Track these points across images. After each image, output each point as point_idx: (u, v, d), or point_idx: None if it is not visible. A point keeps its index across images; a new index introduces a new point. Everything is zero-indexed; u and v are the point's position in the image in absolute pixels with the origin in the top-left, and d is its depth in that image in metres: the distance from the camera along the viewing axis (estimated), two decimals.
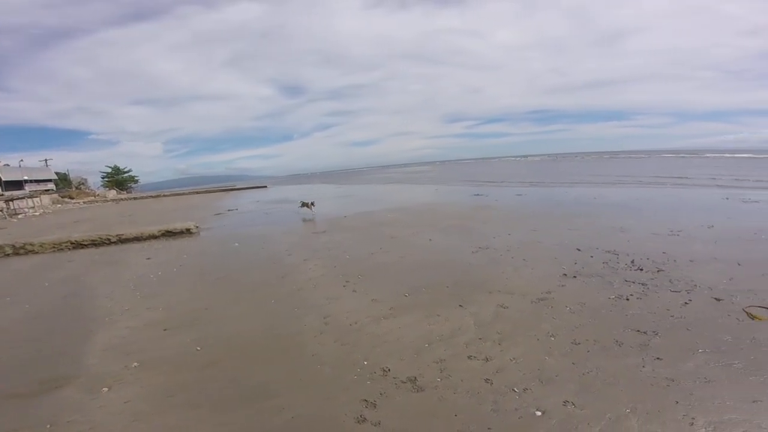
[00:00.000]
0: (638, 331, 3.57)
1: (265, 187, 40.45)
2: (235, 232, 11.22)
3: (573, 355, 3.26)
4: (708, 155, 72.41)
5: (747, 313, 3.79)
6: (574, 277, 5.13)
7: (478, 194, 17.11)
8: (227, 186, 46.77)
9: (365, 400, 2.88)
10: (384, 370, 3.23)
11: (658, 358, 3.10)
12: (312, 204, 13.27)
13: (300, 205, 13.69)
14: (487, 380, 2.98)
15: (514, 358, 3.28)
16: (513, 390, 2.84)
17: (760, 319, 3.67)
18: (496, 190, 19.21)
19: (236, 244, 9.18)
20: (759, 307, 3.90)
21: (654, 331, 3.54)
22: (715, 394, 2.64)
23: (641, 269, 5.20)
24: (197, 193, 37.83)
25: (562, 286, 4.84)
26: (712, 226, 7.60)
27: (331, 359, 3.52)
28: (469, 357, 3.35)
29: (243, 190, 37.30)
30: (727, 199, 11.89)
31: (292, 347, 3.81)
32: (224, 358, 3.70)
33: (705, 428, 2.36)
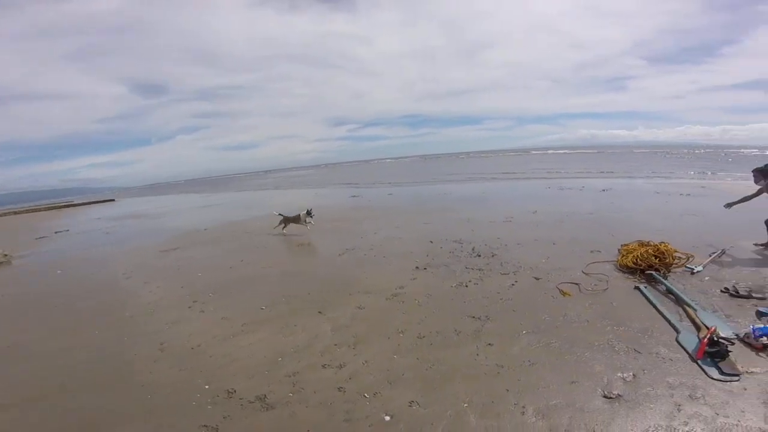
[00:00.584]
0: (474, 317, 3.84)
1: (113, 200, 34.89)
2: (62, 257, 9.21)
3: (418, 350, 3.37)
4: (535, 152, 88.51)
5: (559, 290, 4.30)
6: (425, 269, 5.49)
7: (354, 196, 17.47)
8: (61, 202, 38.22)
9: (205, 425, 2.60)
10: (229, 392, 2.96)
11: (489, 344, 3.30)
12: (308, 214, 8.72)
13: (281, 224, 8.91)
14: (340, 389, 2.91)
15: (366, 361, 3.27)
16: (364, 396, 2.81)
17: (569, 295, 4.14)
18: (371, 191, 19.93)
19: (59, 272, 7.53)
20: (568, 283, 4.49)
21: (486, 316, 3.83)
22: (540, 378, 2.79)
23: (479, 255, 5.87)
24: (15, 213, 29.96)
25: (414, 279, 5.13)
26: (536, 212, 9.13)
27: (166, 387, 3.13)
28: (324, 366, 3.25)
29: (82, 206, 30.96)
30: (549, 188, 14.57)
31: (119, 379, 3.32)
32: (38, 397, 3.11)
33: (535, 416, 2.44)
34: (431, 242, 6.91)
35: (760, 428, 2.16)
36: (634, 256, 4.67)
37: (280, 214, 9.03)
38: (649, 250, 4.61)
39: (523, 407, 2.52)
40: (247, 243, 8.56)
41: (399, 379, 2.98)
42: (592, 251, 5.58)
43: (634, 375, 2.72)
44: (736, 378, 2.59)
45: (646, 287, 4.14)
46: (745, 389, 2.49)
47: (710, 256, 4.89)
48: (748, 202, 5.35)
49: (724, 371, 2.65)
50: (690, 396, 2.47)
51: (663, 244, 4.78)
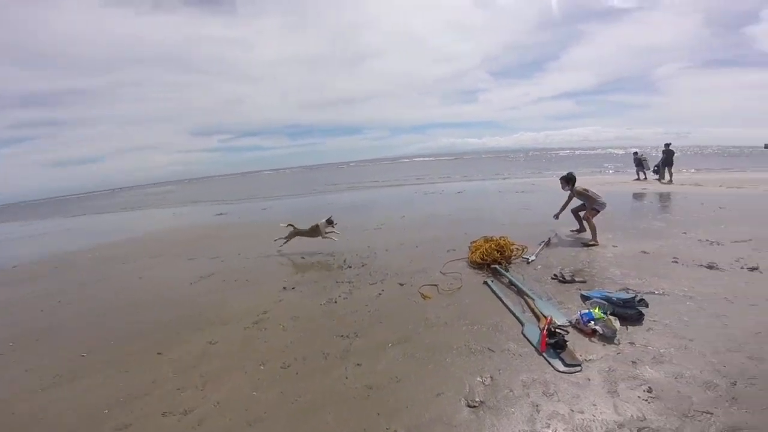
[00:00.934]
0: (342, 336, 3.62)
1: None
2: None
3: (282, 382, 3.00)
4: (406, 160, 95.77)
5: (420, 294, 4.36)
6: (293, 288, 5.12)
7: (221, 213, 15.85)
8: None
9: None
10: None
11: (358, 364, 3.11)
12: (330, 223, 7.08)
13: (286, 238, 7.30)
14: None
15: (218, 403, 2.78)
16: None
17: (429, 298, 4.22)
18: (242, 207, 18.41)
19: None
20: (428, 285, 4.60)
21: (355, 333, 3.64)
22: (408, 396, 2.68)
23: (350, 266, 5.76)
24: None
25: (280, 301, 4.71)
26: (404, 216, 9.59)
27: None
28: (164, 414, 2.70)
29: None
30: (416, 193, 15.65)
31: None
32: None
33: None
34: (303, 258, 6.57)
35: (615, 421, 2.23)
36: (480, 252, 5.12)
37: (289, 225, 7.30)
38: (492, 245, 5.11)
39: (395, 431, 2.37)
40: (73, 278, 6.85)
41: (260, 419, 2.60)
42: (448, 250, 6.00)
43: (491, 377, 2.75)
44: (579, 368, 2.70)
45: (493, 281, 4.50)
46: (589, 380, 2.61)
47: (539, 245, 5.72)
48: (567, 206, 6.28)
49: (567, 362, 2.76)
50: (544, 393, 2.52)
51: (502, 238, 5.37)
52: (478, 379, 2.75)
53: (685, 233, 6.10)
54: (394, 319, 3.89)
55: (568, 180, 6.06)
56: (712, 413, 2.21)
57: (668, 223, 7.02)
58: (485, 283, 4.51)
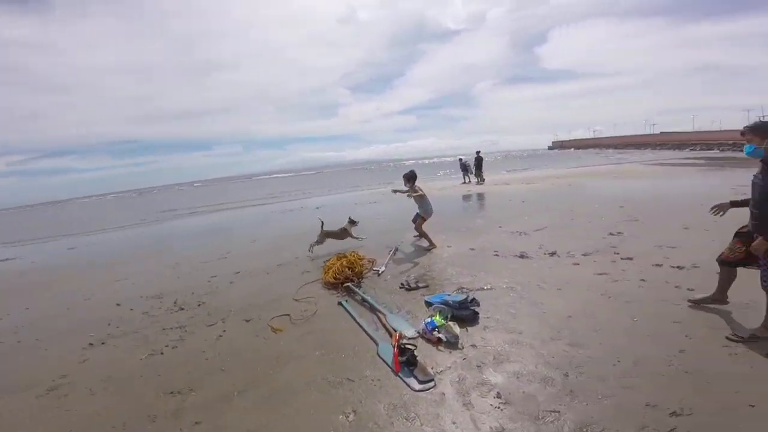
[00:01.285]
0: (172, 392, 2.94)
1: None
2: None
3: None
4: (264, 177, 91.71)
5: (271, 327, 3.90)
6: (103, 343, 4.02)
7: (6, 259, 11.85)
8: None
9: None
10: None
11: (197, 423, 2.54)
12: (352, 223, 6.85)
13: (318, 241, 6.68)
14: None
15: None
16: None
17: (281, 331, 3.81)
18: (40, 247, 14.20)
19: None
20: (279, 316, 4.15)
21: (189, 387, 2.99)
22: None
23: (182, 308, 4.84)
24: None
25: (85, 361, 3.65)
26: (255, 241, 8.78)
27: None
28: None
29: None
30: (272, 212, 14.79)
31: None
32: None
33: None
34: (118, 305, 5.25)
35: None
36: (333, 270, 4.93)
37: (323, 223, 6.83)
38: (344, 262, 4.99)
39: None
40: None
41: None
42: (303, 273, 5.66)
43: (354, 412, 2.50)
44: (432, 383, 2.64)
45: (347, 301, 4.34)
46: (444, 394, 2.55)
47: (388, 254, 5.88)
48: (403, 192, 6.42)
49: (421, 379, 2.68)
50: (406, 419, 2.39)
51: (352, 253, 5.32)
52: (341, 417, 2.47)
53: (500, 227, 7.19)
54: (239, 362, 3.35)
55: (410, 177, 6.33)
56: (558, 411, 2.28)
57: (487, 219, 8.20)
58: (340, 303, 4.32)
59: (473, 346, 3.09)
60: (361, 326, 3.70)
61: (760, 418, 2.06)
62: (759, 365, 2.50)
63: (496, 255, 5.46)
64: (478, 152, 17.92)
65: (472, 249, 5.87)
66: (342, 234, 6.80)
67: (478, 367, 2.80)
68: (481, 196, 12.64)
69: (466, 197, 12.84)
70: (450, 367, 2.84)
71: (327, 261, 5.48)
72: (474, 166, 17.66)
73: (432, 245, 6.14)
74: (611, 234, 6.01)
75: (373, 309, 4.04)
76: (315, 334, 3.71)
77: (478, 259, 5.36)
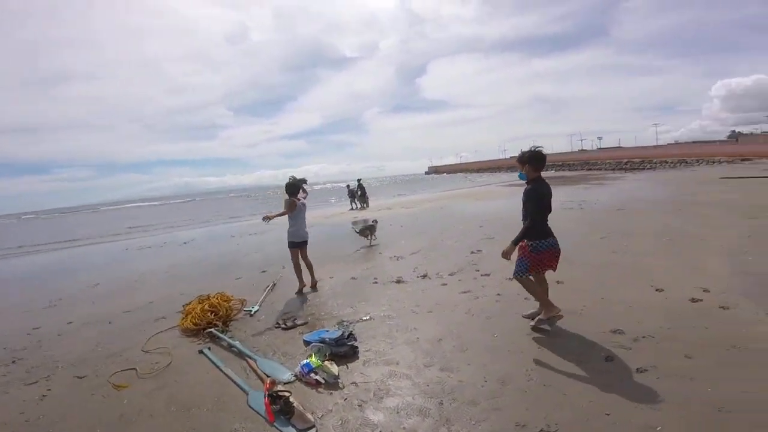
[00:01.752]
0: None
1: None
2: None
3: None
4: (129, 206, 79.31)
5: (112, 384, 3.30)
6: None
7: None
8: None
9: None
10: None
11: None
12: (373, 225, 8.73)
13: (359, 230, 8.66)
14: None
15: None
16: None
17: (125, 387, 3.23)
18: None
19: None
20: (122, 370, 3.52)
21: None
22: None
23: None
24: None
25: None
26: (98, 284, 7.30)
27: None
28: None
29: None
30: (127, 249, 12.59)
31: None
32: None
33: None
34: None
35: None
36: (193, 316, 4.35)
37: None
38: (206, 306, 4.44)
39: None
40: None
41: None
42: (156, 320, 4.86)
43: None
44: (313, 429, 2.50)
45: (210, 349, 3.83)
46: None
47: (264, 291, 5.45)
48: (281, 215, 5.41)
49: (300, 428, 2.51)
50: None
51: (218, 295, 4.78)
52: None
53: (381, 253, 7.40)
54: (71, 425, 2.76)
55: (291, 191, 5.35)
56: None
57: (369, 246, 8.36)
58: (201, 352, 3.78)
59: (354, 383, 2.98)
60: (227, 375, 3.28)
61: (617, 426, 2.25)
62: (601, 369, 2.83)
63: (375, 282, 5.53)
64: (359, 180, 18.85)
65: (354, 278, 5.86)
66: (372, 230, 8.48)
67: (359, 406, 2.69)
68: (366, 223, 12.97)
69: (350, 224, 13.02)
70: (331, 410, 2.68)
71: (186, 304, 4.78)
72: (359, 194, 18.40)
73: (300, 285, 5.36)
74: (472, 252, 6.69)
75: (241, 355, 3.64)
76: (169, 388, 3.19)
77: (359, 288, 5.34)
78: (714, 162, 35.85)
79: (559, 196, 15.21)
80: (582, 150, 78.78)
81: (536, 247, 3.46)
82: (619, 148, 70.51)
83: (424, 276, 5.57)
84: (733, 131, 75.13)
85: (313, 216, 13.73)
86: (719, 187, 14.96)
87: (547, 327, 3.49)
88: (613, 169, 42.47)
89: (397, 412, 2.59)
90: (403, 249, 7.50)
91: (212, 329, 4.17)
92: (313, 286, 5.44)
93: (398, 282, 5.42)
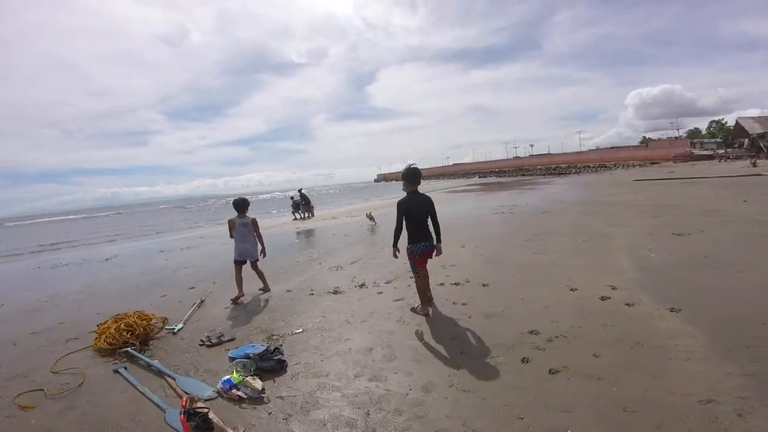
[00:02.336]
0: None
1: None
2: None
3: None
4: (42, 220, 70.83)
5: (17, 405, 3.08)
6: None
7: None
8: None
9: None
10: None
11: None
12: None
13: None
14: None
15: None
16: None
17: (32, 408, 3.04)
18: None
19: None
20: (29, 392, 3.29)
21: None
22: None
23: None
24: None
25: None
26: (2, 305, 6.47)
27: None
28: None
29: None
30: (39, 267, 11.24)
31: None
32: None
33: None
34: None
35: None
36: (107, 336, 4.04)
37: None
38: (122, 325, 4.13)
39: None
40: None
41: None
42: (68, 341, 4.45)
43: None
44: None
45: (126, 368, 3.59)
46: None
47: (191, 308, 5.12)
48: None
49: None
50: None
51: (137, 313, 4.45)
52: None
53: (320, 264, 7.29)
54: None
55: (238, 207, 5.57)
56: None
57: (309, 256, 8.23)
58: (117, 371, 3.55)
59: (280, 397, 2.90)
60: (144, 394, 3.11)
61: (530, 430, 2.32)
62: (517, 371, 2.95)
63: (312, 294, 5.43)
64: (300, 190, 18.94)
65: (289, 290, 5.70)
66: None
67: (284, 419, 2.63)
68: (308, 233, 12.73)
69: (292, 235, 12.73)
70: (254, 425, 2.60)
71: (101, 324, 4.41)
72: (302, 204, 18.25)
73: (238, 294, 5.39)
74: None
75: (161, 374, 3.45)
76: (81, 408, 3.01)
77: (293, 302, 5.20)
78: (629, 166, 39.92)
79: (496, 201, 16.27)
80: (516, 157, 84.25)
81: (412, 250, 4.17)
82: (548, 154, 76.34)
83: (362, 285, 5.57)
84: (644, 137, 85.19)
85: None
86: (631, 189, 16.82)
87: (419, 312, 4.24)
88: (544, 174, 45.83)
89: (324, 425, 2.56)
90: (343, 258, 7.46)
91: (128, 348, 3.88)
92: (263, 291, 5.70)
93: (335, 293, 5.36)
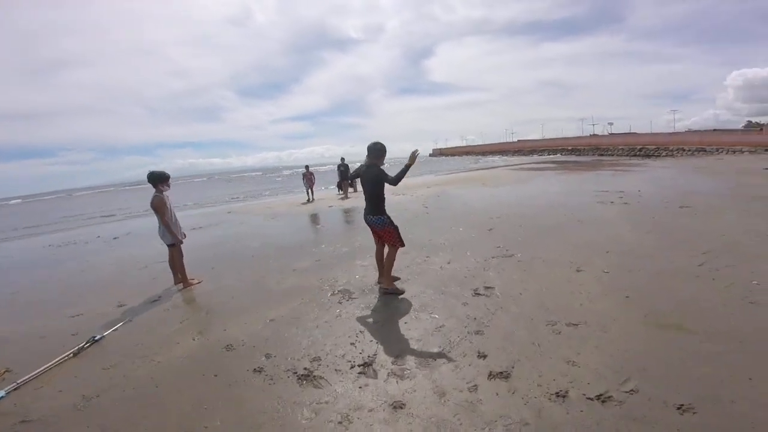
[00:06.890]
0: None
1: None
2: None
3: None
4: (127, 187, 76.95)
5: None
6: None
7: None
8: None
9: None
10: None
11: None
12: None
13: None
14: None
15: None
16: None
17: None
18: None
19: None
20: None
21: None
22: None
23: None
24: None
25: None
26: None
27: None
28: None
29: None
30: (49, 245, 10.14)
31: None
32: None
33: None
34: None
35: None
36: None
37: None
38: None
39: None
40: None
41: None
42: None
43: None
44: None
45: None
46: None
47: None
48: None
49: None
50: None
51: None
52: None
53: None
54: None
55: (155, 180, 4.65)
56: None
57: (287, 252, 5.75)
58: None
59: None
60: None
61: None
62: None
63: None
64: (342, 159, 15.32)
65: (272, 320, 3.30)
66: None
67: None
68: (316, 215, 10.27)
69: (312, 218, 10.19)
70: None
71: None
72: (340, 179, 14.73)
73: (186, 282, 4.75)
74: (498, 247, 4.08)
75: None
76: None
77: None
78: (735, 151, 32.60)
79: (587, 184, 12.21)
80: (593, 135, 74.61)
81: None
82: (633, 134, 66.19)
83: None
84: (749, 121, 71.43)
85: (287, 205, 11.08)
86: None
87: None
88: (628, 155, 39.26)
89: None
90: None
91: None
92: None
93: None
